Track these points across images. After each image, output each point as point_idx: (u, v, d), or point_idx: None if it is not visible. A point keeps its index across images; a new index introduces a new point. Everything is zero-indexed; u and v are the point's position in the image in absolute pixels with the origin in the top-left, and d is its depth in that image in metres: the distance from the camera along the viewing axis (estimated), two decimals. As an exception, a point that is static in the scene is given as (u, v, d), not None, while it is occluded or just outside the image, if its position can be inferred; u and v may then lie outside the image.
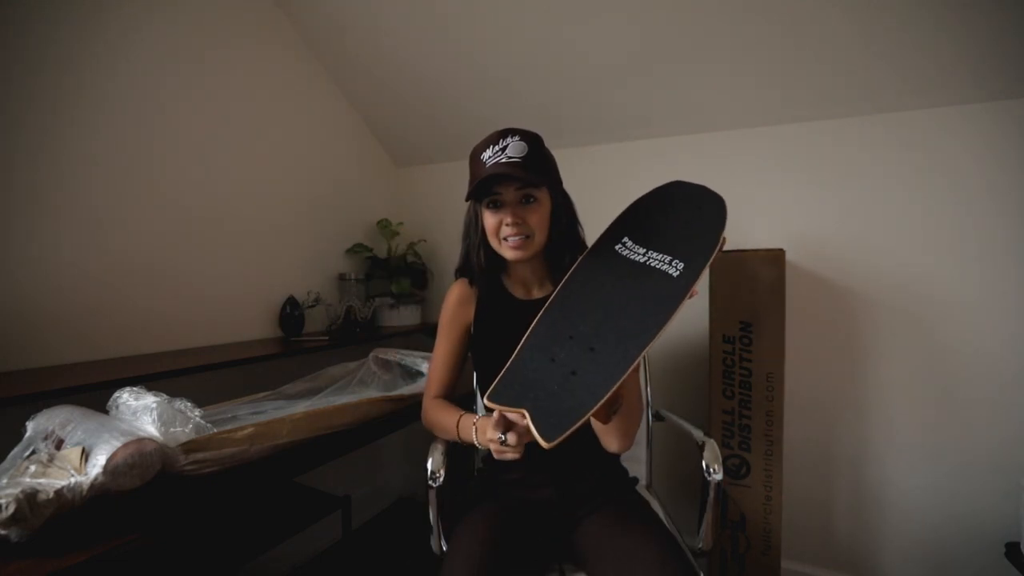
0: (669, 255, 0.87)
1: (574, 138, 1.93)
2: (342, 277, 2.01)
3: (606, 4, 1.49)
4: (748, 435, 1.52)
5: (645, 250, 0.91)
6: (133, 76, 1.38)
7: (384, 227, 2.11)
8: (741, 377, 1.52)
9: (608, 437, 0.95)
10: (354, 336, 1.82)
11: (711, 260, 0.84)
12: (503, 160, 0.95)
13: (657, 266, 0.87)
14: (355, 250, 2.08)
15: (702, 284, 1.63)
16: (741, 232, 1.69)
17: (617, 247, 0.94)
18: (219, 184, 1.60)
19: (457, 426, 1.01)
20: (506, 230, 1.00)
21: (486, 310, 1.14)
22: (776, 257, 1.48)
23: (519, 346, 0.85)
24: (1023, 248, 1.41)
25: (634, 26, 1.52)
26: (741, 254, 1.52)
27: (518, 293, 1.13)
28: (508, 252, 1.02)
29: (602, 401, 0.72)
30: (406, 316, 2.07)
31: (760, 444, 1.51)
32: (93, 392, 1.01)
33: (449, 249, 2.24)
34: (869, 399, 1.58)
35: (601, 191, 1.91)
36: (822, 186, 1.60)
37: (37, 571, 0.62)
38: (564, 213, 1.07)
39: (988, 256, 1.44)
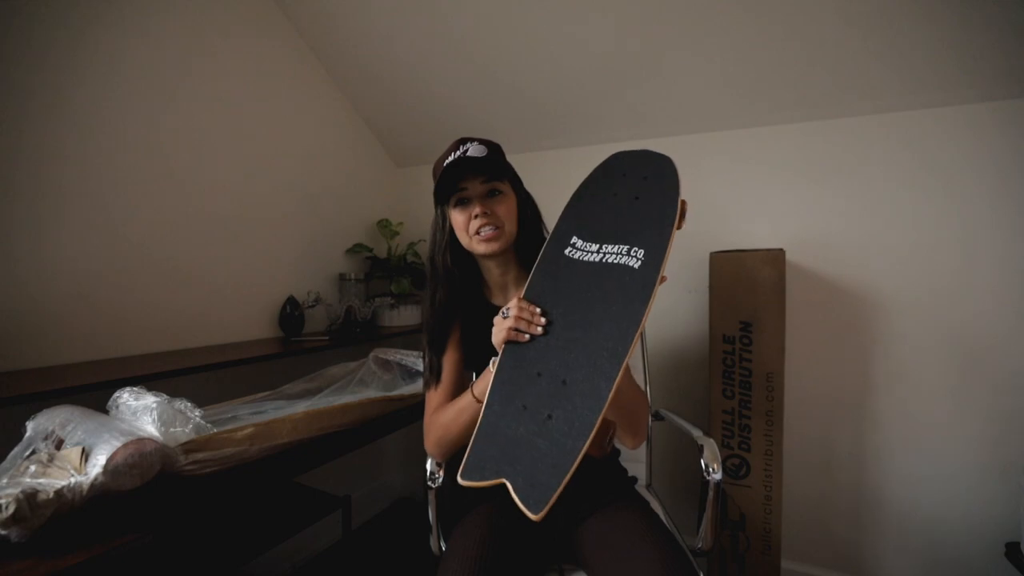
0: (625, 244, 0.76)
1: (574, 138, 1.93)
2: (342, 277, 2.01)
3: (608, 5, 1.49)
4: (748, 435, 1.52)
5: (598, 246, 0.81)
6: (133, 77, 1.38)
7: (384, 227, 2.11)
8: (741, 377, 1.52)
9: (620, 437, 0.96)
10: (354, 336, 1.82)
11: (673, 235, 0.73)
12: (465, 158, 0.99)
13: (615, 261, 0.76)
14: (355, 250, 2.08)
15: (702, 283, 1.64)
16: (741, 232, 1.69)
17: (567, 251, 0.84)
18: (219, 184, 1.60)
19: (472, 393, 0.93)
20: (475, 223, 1.00)
21: (468, 323, 1.10)
22: (776, 257, 1.48)
23: (483, 405, 0.76)
24: (1022, 248, 1.41)
25: (634, 27, 1.52)
26: (741, 254, 1.52)
27: (498, 299, 1.11)
28: (480, 246, 1.01)
29: (589, 441, 0.63)
30: (406, 316, 2.07)
31: (760, 444, 1.51)
32: (93, 392, 1.01)
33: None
34: (869, 399, 1.58)
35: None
36: (822, 186, 1.60)
37: (37, 571, 0.62)
38: (529, 208, 1.09)
39: (987, 256, 1.44)
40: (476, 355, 1.08)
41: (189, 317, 1.52)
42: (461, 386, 1.06)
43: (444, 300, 1.07)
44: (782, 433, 1.49)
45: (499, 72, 1.78)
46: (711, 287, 1.56)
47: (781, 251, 1.48)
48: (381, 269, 2.10)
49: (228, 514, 0.99)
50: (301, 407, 1.27)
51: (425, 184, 2.30)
